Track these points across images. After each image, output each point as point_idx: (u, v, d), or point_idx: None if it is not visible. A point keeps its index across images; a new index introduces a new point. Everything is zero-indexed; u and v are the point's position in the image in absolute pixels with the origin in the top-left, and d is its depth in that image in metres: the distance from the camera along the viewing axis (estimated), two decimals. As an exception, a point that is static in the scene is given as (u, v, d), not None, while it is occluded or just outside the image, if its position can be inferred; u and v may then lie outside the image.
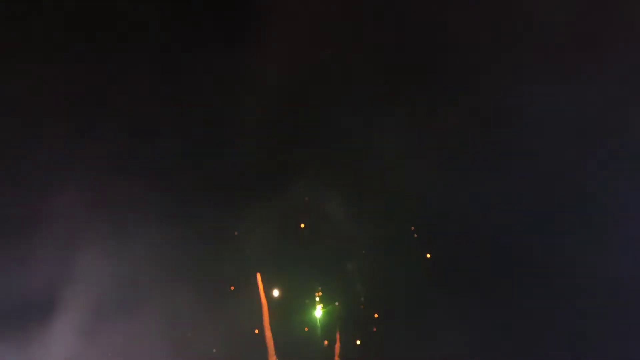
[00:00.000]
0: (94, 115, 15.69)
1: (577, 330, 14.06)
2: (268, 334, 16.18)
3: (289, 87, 16.17)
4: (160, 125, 16.05)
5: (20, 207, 15.19)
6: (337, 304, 16.30)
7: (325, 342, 16.00)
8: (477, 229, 14.89)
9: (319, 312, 16.16)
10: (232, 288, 16.48)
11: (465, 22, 15.41)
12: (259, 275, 16.69)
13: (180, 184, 16.38)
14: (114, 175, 15.41)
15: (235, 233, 16.81)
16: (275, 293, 16.61)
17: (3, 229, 15.02)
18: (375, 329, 15.83)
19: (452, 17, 15.54)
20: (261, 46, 15.99)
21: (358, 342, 15.94)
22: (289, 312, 16.39)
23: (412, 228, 15.77)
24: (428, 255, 15.74)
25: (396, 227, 16.00)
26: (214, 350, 15.83)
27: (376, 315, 15.81)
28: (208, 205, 16.43)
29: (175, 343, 15.56)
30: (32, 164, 15.07)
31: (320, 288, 16.38)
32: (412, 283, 15.29)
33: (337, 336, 16.07)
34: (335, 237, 16.52)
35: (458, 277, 14.99)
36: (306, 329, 16.15)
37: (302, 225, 16.94)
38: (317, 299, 16.40)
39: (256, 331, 16.10)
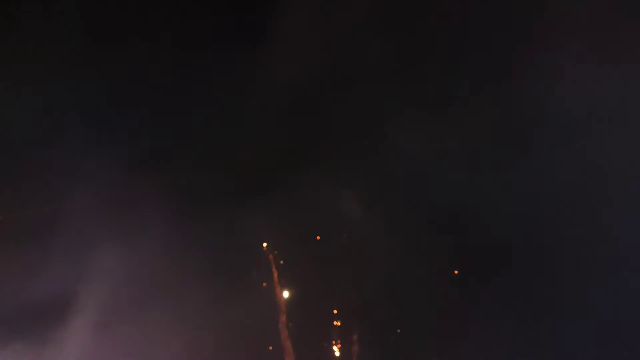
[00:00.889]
0: (110, 117, 15.69)
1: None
2: (284, 334, 16.14)
3: (305, 87, 16.04)
4: (175, 125, 16.07)
5: (37, 208, 15.19)
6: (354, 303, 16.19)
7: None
8: (505, 231, 14.63)
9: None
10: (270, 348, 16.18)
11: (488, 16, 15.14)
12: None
13: (196, 183, 16.42)
14: (129, 176, 15.36)
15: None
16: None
17: (20, 230, 15.04)
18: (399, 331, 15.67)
19: (474, 10, 15.28)
20: (277, 46, 15.84)
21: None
22: (305, 314, 16.33)
23: (456, 272, 15.44)
24: (456, 272, 15.42)
25: (420, 230, 15.75)
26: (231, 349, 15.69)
27: (399, 330, 15.63)
28: (224, 205, 16.44)
29: (191, 340, 15.46)
30: (48, 166, 15.00)
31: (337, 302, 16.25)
32: (435, 292, 15.06)
33: (355, 338, 15.97)
34: (353, 239, 16.51)
35: (485, 287, 14.70)
36: (324, 344, 16.04)
37: (318, 238, 16.83)
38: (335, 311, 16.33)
39: (270, 348, 16.05)
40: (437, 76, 15.86)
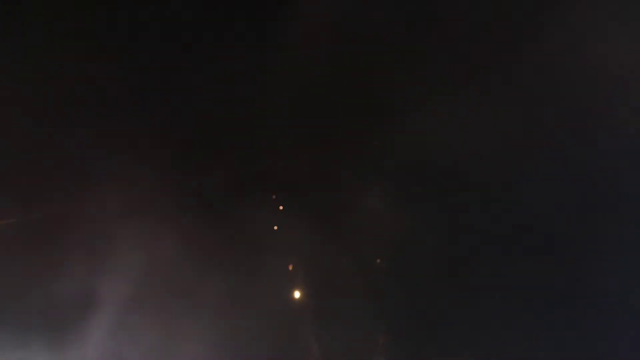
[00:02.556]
0: (125, 112, 15.40)
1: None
2: (308, 332, 16.12)
3: (320, 81, 15.79)
4: (192, 120, 15.82)
5: (54, 205, 15.31)
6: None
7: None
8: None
9: None
10: None
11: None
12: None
13: (216, 179, 16.58)
14: (147, 176, 15.33)
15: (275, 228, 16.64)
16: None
17: (37, 227, 15.22)
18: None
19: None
20: (290, 44, 15.59)
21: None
22: (331, 312, 16.25)
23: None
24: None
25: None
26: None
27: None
28: (245, 201, 16.13)
29: (215, 339, 15.40)
30: (64, 162, 14.91)
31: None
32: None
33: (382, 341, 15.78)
34: (380, 236, 16.34)
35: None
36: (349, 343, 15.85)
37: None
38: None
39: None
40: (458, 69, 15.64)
